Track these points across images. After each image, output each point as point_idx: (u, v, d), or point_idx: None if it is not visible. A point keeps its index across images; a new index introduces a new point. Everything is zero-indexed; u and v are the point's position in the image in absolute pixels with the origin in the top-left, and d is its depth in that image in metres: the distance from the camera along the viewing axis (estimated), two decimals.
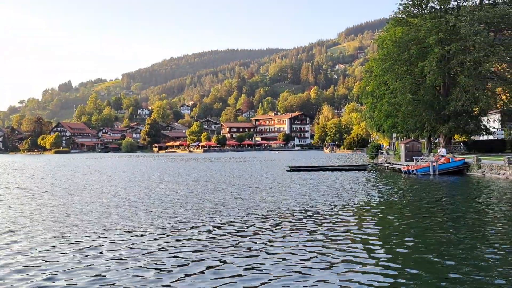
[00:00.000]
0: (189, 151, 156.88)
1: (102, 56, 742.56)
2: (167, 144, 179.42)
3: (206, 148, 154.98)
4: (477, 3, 42.73)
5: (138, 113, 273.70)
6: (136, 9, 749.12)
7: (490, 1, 42.72)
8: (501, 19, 39.05)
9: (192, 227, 13.04)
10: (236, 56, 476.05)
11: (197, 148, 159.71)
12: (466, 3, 42.88)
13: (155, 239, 11.49)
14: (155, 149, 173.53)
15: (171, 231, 12.50)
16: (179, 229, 12.80)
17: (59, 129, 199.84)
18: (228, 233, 12.21)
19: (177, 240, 11.34)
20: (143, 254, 9.96)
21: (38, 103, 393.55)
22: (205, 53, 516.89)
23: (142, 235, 12.00)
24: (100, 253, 10.16)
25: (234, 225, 13.31)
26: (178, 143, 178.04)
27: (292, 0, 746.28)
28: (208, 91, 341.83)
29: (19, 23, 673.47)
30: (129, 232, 12.50)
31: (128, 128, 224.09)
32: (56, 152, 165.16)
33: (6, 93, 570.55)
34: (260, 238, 11.46)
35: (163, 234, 12.16)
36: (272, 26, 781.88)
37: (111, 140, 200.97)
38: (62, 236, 12.04)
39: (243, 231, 12.46)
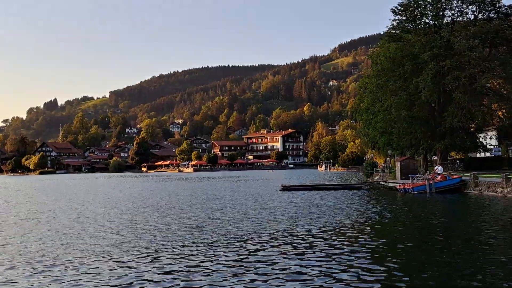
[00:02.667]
0: (179, 171, 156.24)
1: (89, 73, 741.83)
2: (156, 163, 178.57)
3: (196, 168, 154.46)
4: (472, 18, 43.40)
5: (126, 131, 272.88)
6: (123, 24, 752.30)
7: (485, 16, 43.43)
8: (495, 34, 39.67)
9: (170, 254, 12.95)
10: (227, 72, 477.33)
11: (188, 167, 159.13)
12: (461, 18, 43.54)
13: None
14: (144, 169, 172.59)
15: (151, 259, 12.40)
16: (156, 258, 12.69)
17: (44, 149, 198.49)
18: (215, 255, 12.16)
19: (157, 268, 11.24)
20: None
21: (22, 122, 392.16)
22: (195, 70, 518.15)
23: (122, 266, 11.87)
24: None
25: (223, 247, 13.24)
26: (167, 162, 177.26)
27: (284, 15, 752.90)
28: (199, 108, 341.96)
29: (3, 38, 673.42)
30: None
31: (115, 147, 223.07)
32: (41, 173, 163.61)
33: None
34: (250, 262, 11.39)
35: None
36: (264, 42, 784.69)
37: (98, 160, 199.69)
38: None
39: (230, 253, 12.40)
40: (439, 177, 33.50)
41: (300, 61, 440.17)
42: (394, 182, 39.13)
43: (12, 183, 77.31)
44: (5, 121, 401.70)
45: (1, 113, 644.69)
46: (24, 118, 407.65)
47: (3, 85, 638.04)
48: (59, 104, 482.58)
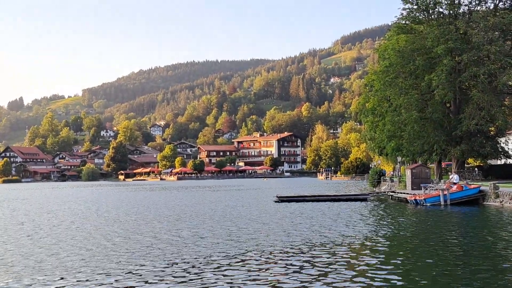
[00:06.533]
0: (161, 179, 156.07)
1: (60, 69, 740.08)
2: (135, 171, 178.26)
3: (180, 175, 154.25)
4: (491, 7, 43.32)
5: (102, 135, 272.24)
6: (99, 13, 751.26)
7: (506, 5, 43.35)
8: None
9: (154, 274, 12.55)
10: (216, 68, 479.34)
11: (170, 175, 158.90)
12: (479, 7, 43.42)
13: None
14: (121, 177, 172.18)
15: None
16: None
17: (8, 154, 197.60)
18: (199, 276, 11.77)
19: None
20: None
21: None
22: (180, 65, 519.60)
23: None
24: None
25: (203, 267, 12.87)
26: (148, 169, 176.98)
27: (280, 3, 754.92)
28: (183, 109, 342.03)
29: None
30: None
31: (89, 152, 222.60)
32: (4, 181, 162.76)
33: None
34: (245, 284, 11.03)
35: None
36: (257, 34, 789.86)
37: (69, 167, 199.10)
38: None
39: (217, 275, 12.01)
40: (454, 187, 33.37)
41: (297, 55, 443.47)
42: (404, 193, 38.96)
43: None
44: None
45: None
46: None
47: None
48: (25, 103, 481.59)
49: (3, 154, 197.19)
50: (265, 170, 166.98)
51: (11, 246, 18.07)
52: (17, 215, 31.97)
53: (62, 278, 12.27)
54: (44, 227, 24.27)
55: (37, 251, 16.58)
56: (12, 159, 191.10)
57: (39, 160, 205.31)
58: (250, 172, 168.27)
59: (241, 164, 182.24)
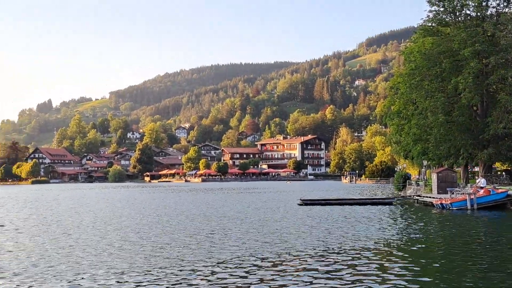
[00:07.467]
0: (186, 181, 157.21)
1: (88, 72, 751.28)
2: (160, 172, 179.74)
3: (205, 177, 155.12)
4: None
5: (128, 137, 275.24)
6: (125, 17, 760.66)
7: None
8: None
9: (184, 273, 12.59)
10: (240, 71, 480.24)
11: (195, 177, 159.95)
12: (507, 9, 42.84)
13: None
14: (147, 178, 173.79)
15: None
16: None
17: (37, 155, 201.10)
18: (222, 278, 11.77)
19: None
20: None
21: (13, 126, 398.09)
22: (204, 68, 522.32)
23: None
24: None
25: (232, 270, 12.87)
26: (173, 171, 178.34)
27: (304, 6, 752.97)
28: (208, 111, 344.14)
29: None
30: None
31: (116, 154, 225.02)
32: (33, 182, 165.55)
33: None
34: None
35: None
36: (281, 36, 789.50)
37: (96, 168, 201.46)
38: None
39: (245, 278, 11.98)
40: (481, 191, 32.96)
41: (321, 57, 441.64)
42: (430, 197, 38.59)
43: (3, 193, 77.86)
44: None
45: None
46: (16, 121, 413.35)
47: None
48: (53, 105, 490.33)
49: (32, 156, 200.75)
50: (288, 173, 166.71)
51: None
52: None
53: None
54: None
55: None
56: (40, 160, 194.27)
57: (67, 161, 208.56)
58: (273, 174, 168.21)
59: (264, 166, 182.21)
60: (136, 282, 11.97)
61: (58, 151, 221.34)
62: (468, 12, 43.35)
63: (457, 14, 43.60)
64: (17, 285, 11.92)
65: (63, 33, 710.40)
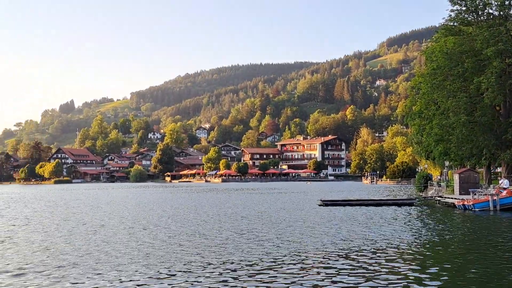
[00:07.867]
0: (206, 181, 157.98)
1: (109, 73, 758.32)
2: (181, 172, 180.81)
3: (225, 178, 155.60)
4: None
5: (149, 137, 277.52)
6: (145, 19, 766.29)
7: None
8: None
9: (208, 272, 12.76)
10: (260, 71, 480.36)
11: (215, 177, 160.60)
12: None
13: None
14: (168, 179, 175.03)
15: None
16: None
17: (59, 155, 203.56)
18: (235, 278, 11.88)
19: None
20: None
21: (36, 126, 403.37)
22: (224, 69, 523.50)
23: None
24: None
25: (252, 270, 12.98)
26: (193, 171, 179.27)
27: (324, 5, 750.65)
28: (228, 112, 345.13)
29: (14, 36, 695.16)
30: None
31: (137, 154, 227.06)
32: (56, 182, 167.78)
33: (1, 115, 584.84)
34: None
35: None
36: (301, 37, 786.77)
37: (118, 168, 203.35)
38: None
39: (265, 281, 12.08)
40: (504, 192, 32.64)
41: (342, 57, 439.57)
42: (452, 198, 38.31)
43: (29, 194, 79.08)
44: (18, 124, 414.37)
45: (13, 116, 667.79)
46: (39, 122, 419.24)
47: (16, 86, 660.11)
48: (76, 106, 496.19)
49: (54, 156, 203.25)
50: (308, 173, 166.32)
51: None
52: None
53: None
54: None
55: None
56: (63, 161, 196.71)
57: (89, 161, 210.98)
58: (293, 175, 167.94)
59: (285, 167, 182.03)
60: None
61: (80, 151, 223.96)
62: (490, 11, 42.94)
63: (480, 13, 43.20)
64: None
65: (85, 34, 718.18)
